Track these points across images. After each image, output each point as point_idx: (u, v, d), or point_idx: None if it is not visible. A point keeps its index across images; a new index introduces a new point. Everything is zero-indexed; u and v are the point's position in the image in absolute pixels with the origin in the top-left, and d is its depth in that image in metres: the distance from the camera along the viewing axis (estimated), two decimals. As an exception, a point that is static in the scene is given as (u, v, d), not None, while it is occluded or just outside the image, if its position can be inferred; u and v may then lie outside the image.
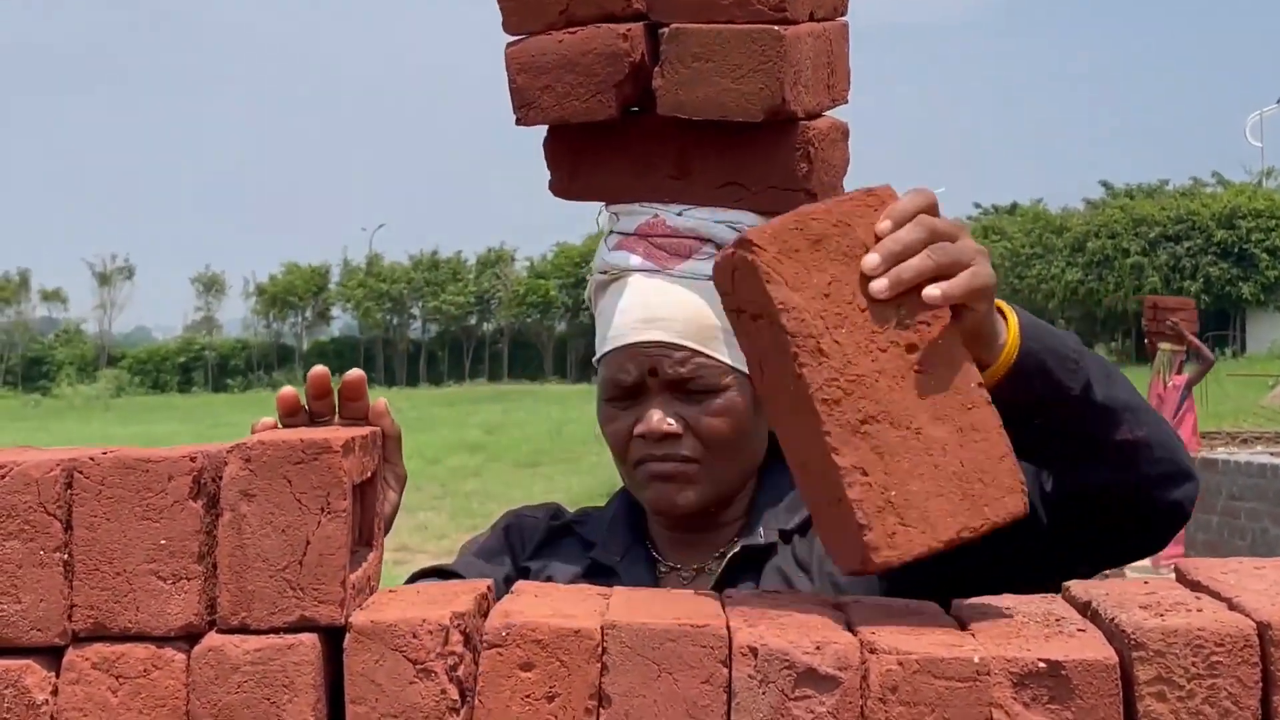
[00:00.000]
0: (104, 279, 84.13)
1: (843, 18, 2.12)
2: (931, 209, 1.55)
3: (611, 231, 2.12)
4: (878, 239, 1.52)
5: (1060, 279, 65.88)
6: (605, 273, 2.11)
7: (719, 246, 2.03)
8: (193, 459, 1.45)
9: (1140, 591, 1.50)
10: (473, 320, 78.12)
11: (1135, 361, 61.66)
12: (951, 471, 1.49)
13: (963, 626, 1.47)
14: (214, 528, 1.47)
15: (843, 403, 1.47)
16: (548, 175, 2.14)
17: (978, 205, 74.02)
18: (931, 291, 1.50)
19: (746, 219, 2.03)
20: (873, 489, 1.46)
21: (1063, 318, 66.94)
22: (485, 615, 1.48)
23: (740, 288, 1.51)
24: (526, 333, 76.13)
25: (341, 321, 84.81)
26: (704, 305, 2.02)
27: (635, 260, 2.06)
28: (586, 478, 22.96)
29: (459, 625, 1.43)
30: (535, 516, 2.24)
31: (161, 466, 1.45)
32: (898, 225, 1.52)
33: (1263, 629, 1.36)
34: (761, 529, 2.09)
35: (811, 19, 2.03)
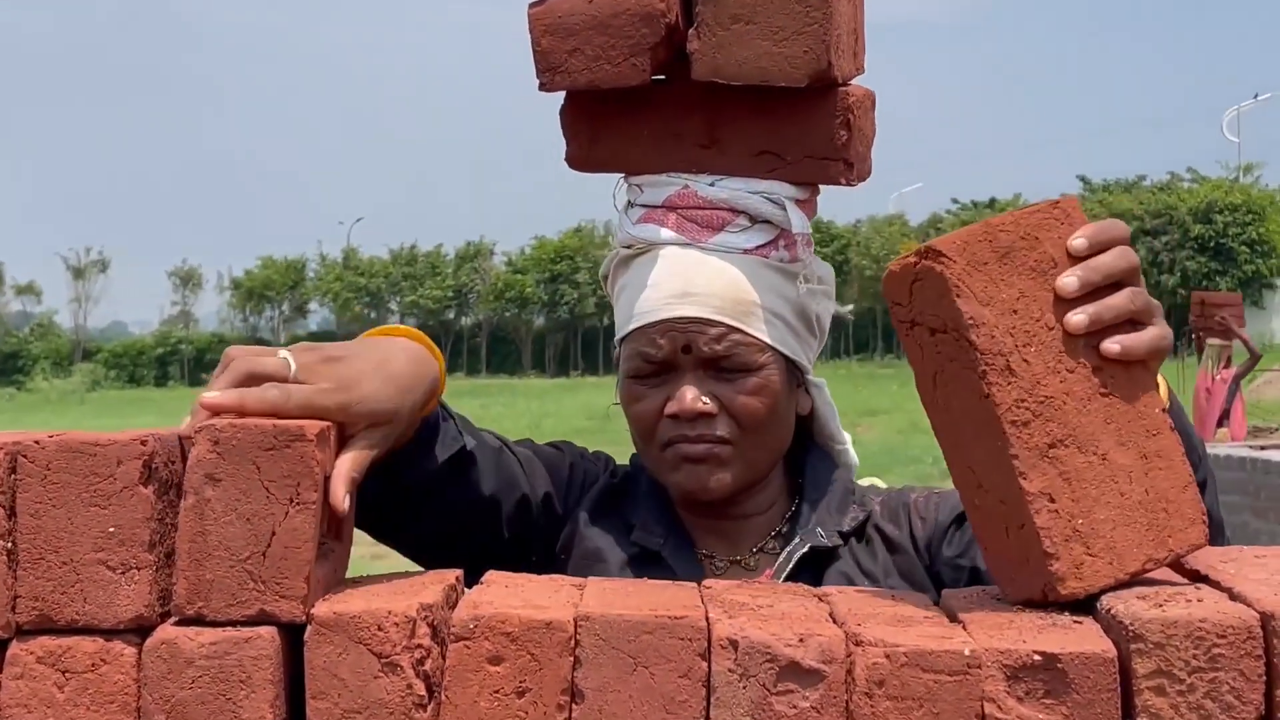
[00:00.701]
0: (79, 273, 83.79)
1: None
2: (1126, 240, 1.48)
3: (634, 204, 2.03)
4: (1070, 256, 1.44)
5: (1038, 273, 65.53)
6: (630, 247, 2.02)
7: (753, 219, 1.97)
8: (143, 442, 1.38)
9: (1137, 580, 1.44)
10: (451, 314, 77.93)
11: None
12: (1136, 500, 1.43)
13: (953, 618, 1.41)
14: (166, 514, 1.40)
15: (1031, 425, 1.40)
16: (564, 145, 2.05)
17: (955, 200, 74.02)
18: (1111, 346, 1.44)
19: (782, 189, 1.97)
20: (1060, 516, 1.40)
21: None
22: (454, 606, 1.42)
23: (920, 299, 1.44)
24: (505, 327, 75.97)
25: (319, 316, 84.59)
26: (740, 279, 1.95)
27: (665, 233, 1.98)
28: (564, 472, 22.80)
29: (426, 617, 1.36)
30: (596, 468, 2.14)
31: (110, 450, 1.38)
32: (1094, 247, 1.45)
33: (1266, 620, 1.30)
34: (819, 529, 2.01)
35: None
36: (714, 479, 1.97)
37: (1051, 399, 1.41)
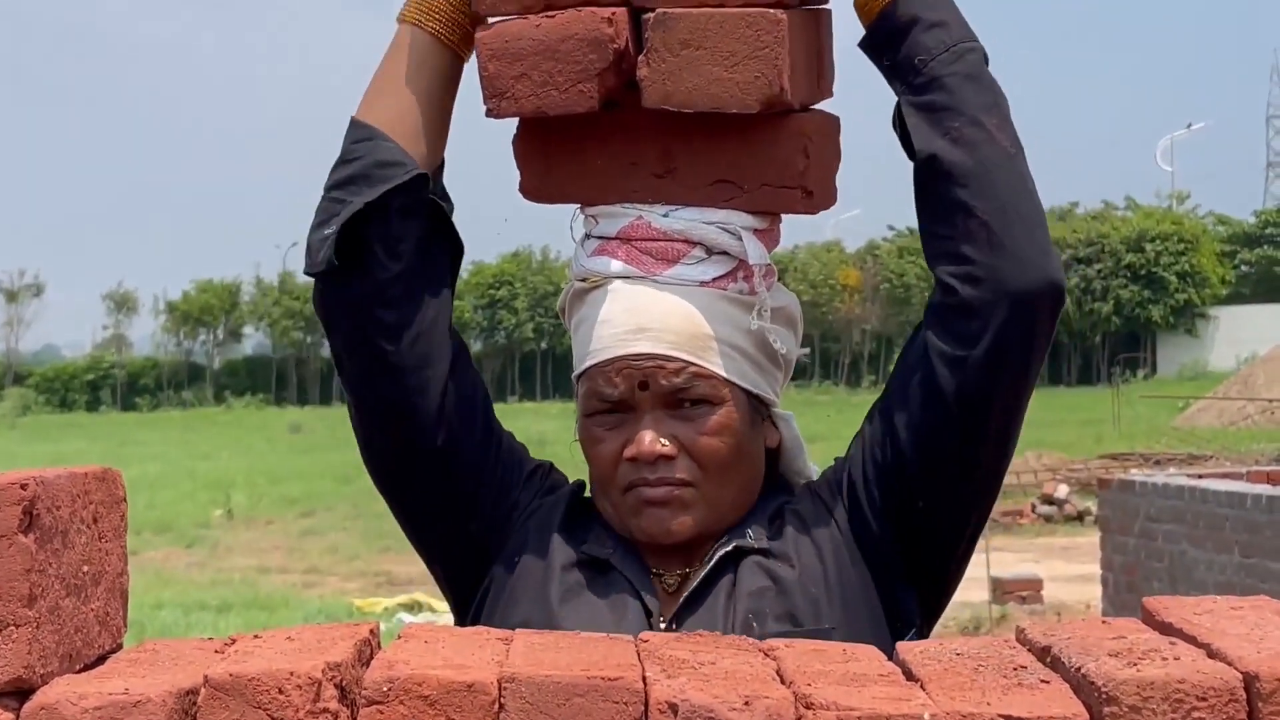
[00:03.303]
0: (11, 296, 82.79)
1: (827, 4, 2.00)
2: None
3: (589, 236, 1.98)
4: None
5: (974, 301, 65.97)
6: (584, 280, 1.96)
7: (710, 250, 1.92)
8: (23, 486, 1.25)
9: (1106, 635, 1.34)
10: (387, 339, 77.36)
11: (1049, 383, 62.30)
12: None
13: (910, 676, 1.30)
14: (48, 566, 1.27)
15: None
16: (517, 176, 2.01)
17: (892, 228, 74.49)
18: None
19: (739, 219, 1.92)
20: None
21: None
22: (367, 663, 1.30)
23: None
24: (442, 352, 75.57)
25: (254, 340, 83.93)
26: (695, 313, 1.90)
27: (617, 266, 1.93)
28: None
29: (333, 678, 1.24)
30: (563, 481, 2.07)
31: (-15, 495, 1.25)
32: None
33: (1249, 680, 1.20)
34: (749, 530, 1.94)
35: (802, 4, 1.92)
36: (676, 522, 1.90)
37: None
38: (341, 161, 1.92)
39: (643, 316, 1.89)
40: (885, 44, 1.89)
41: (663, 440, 1.88)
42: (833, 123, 1.98)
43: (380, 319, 1.88)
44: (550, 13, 1.87)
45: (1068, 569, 15.18)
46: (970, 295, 1.82)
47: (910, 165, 1.90)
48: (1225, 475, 10.68)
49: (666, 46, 1.84)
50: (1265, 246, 73.31)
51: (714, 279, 1.91)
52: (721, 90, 1.83)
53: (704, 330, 1.89)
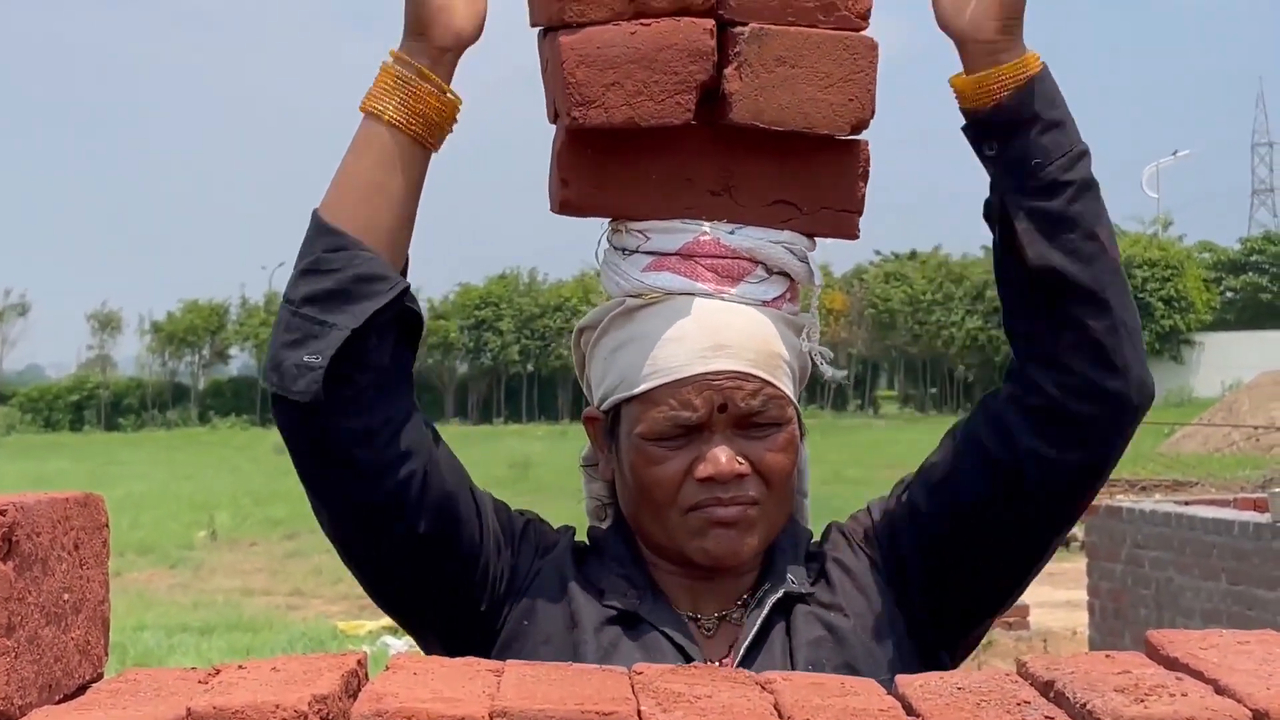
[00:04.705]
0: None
1: None
2: None
3: (635, 251, 1.91)
4: None
5: (960, 326, 66.57)
6: (639, 295, 1.89)
7: (769, 269, 1.90)
8: (2, 512, 1.22)
9: (1111, 670, 1.31)
10: (373, 360, 77.19)
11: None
12: None
13: (910, 710, 1.27)
14: (27, 594, 1.24)
15: None
16: (556, 185, 1.91)
17: (878, 252, 74.66)
18: None
19: (798, 241, 1.91)
20: None
21: (963, 364, 67.63)
22: (354, 695, 1.26)
23: None
24: (428, 374, 75.54)
25: (240, 360, 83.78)
26: (767, 331, 1.87)
27: (683, 282, 1.87)
28: (486, 520, 22.66)
29: (319, 711, 1.21)
30: (552, 531, 2.01)
31: (-38, 520, 1.22)
32: None
33: (1259, 718, 1.17)
34: (790, 575, 1.92)
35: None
36: (744, 543, 1.87)
37: None
38: (313, 271, 1.78)
39: (722, 334, 1.84)
40: (998, 136, 1.83)
41: (738, 459, 1.85)
42: None
43: (352, 429, 1.76)
44: (644, 20, 1.82)
45: (1054, 595, 15.16)
46: (1077, 408, 1.82)
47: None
48: (1212, 502, 10.67)
49: (760, 62, 1.82)
50: (1250, 273, 73.71)
51: (773, 299, 1.90)
52: (815, 110, 1.83)
53: (775, 349, 1.87)
